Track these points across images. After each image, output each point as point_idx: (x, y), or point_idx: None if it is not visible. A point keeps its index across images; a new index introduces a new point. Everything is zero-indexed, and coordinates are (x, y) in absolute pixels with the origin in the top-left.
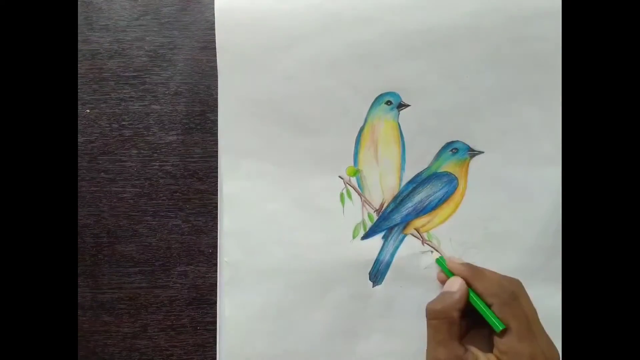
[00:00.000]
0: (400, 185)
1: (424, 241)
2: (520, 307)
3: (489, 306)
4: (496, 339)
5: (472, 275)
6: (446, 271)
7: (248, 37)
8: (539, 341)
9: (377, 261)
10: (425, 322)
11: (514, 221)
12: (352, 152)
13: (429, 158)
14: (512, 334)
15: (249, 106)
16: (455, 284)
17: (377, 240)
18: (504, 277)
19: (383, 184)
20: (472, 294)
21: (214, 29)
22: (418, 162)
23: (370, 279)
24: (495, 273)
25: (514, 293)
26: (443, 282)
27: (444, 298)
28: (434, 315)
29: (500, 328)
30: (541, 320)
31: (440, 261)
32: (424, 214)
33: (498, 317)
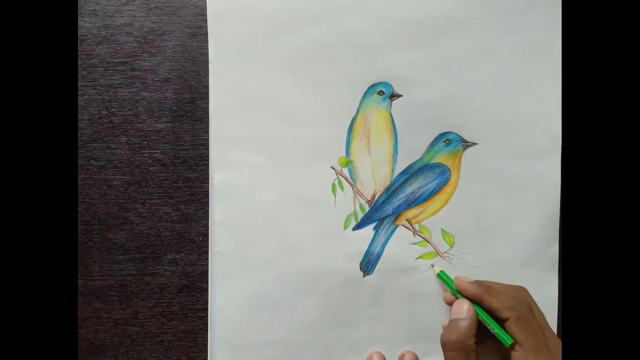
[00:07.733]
0: (392, 176)
1: (415, 232)
2: (535, 319)
3: (505, 320)
4: (513, 354)
5: (484, 293)
6: (452, 289)
7: (240, 25)
8: (553, 351)
9: (367, 252)
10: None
11: (506, 212)
12: (344, 143)
13: (422, 149)
14: (529, 348)
15: (241, 95)
16: (463, 310)
17: (368, 231)
18: (512, 286)
19: (375, 175)
20: (479, 312)
21: (203, 15)
22: (410, 153)
23: (360, 269)
24: (503, 285)
25: (528, 305)
26: (449, 304)
27: (456, 327)
28: (451, 348)
29: (509, 343)
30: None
31: (441, 275)
32: (416, 205)
33: (514, 331)
